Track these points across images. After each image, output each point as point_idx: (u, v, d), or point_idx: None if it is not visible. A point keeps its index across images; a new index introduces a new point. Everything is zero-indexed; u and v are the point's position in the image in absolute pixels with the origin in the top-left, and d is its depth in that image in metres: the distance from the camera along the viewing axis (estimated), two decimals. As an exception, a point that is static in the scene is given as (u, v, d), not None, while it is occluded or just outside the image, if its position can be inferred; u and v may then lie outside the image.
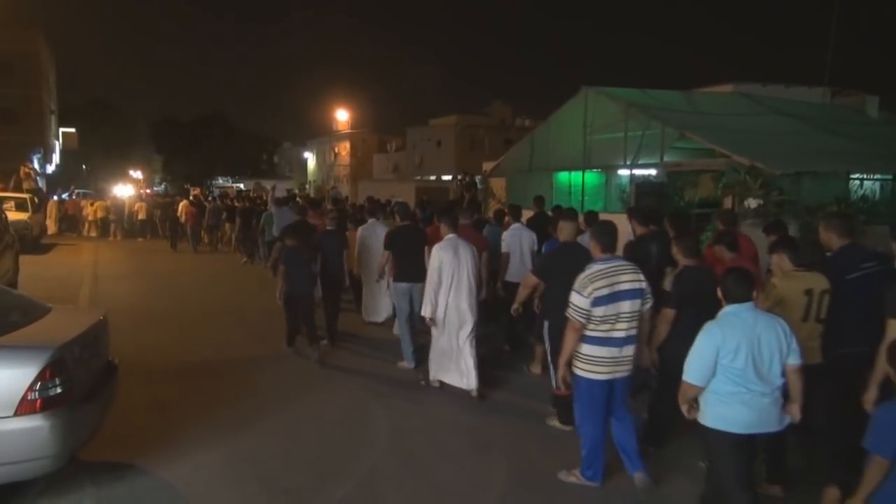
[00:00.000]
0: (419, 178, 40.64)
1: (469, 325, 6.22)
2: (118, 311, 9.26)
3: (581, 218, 7.29)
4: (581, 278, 4.26)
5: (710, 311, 3.70)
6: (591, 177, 14.56)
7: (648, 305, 4.46)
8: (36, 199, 21.55)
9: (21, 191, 22.60)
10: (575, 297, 4.24)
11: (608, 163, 13.57)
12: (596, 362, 4.26)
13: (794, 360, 3.52)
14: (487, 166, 19.61)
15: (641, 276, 4.37)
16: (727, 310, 3.58)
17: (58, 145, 44.84)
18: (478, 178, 19.22)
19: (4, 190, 22.26)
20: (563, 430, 5.36)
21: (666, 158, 11.94)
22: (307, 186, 55.37)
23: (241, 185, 49.02)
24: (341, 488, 4.43)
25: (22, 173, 26.08)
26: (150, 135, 69.54)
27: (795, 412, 3.58)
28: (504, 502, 4.33)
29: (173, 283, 13.42)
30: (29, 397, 3.74)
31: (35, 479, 4.05)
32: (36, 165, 32.92)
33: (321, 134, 64.62)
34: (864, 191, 11.36)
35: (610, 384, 4.33)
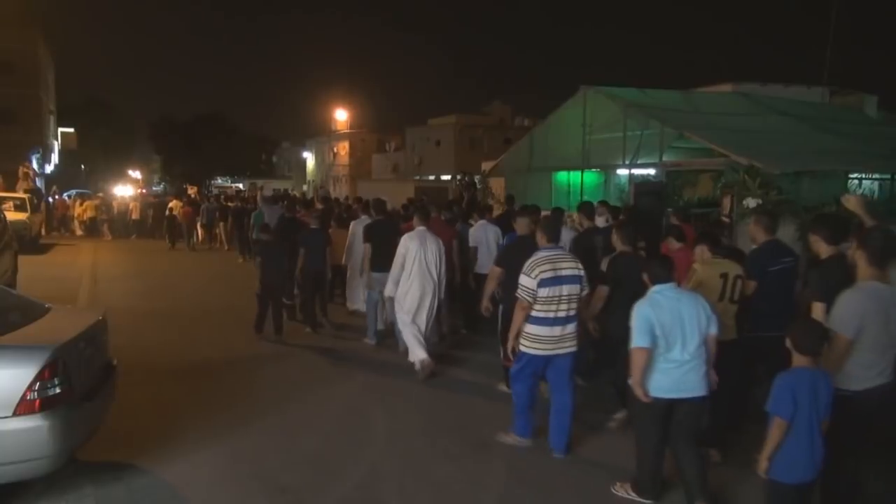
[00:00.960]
0: (418, 177, 40.63)
1: (428, 306, 6.96)
2: (117, 310, 9.25)
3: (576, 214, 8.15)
4: (528, 263, 4.87)
5: (641, 293, 4.23)
6: (591, 176, 14.56)
7: (586, 291, 5.07)
8: (35, 199, 21.54)
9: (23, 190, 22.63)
10: (523, 279, 4.83)
11: (607, 162, 13.57)
12: (540, 340, 4.86)
13: (713, 330, 4.06)
14: (486, 166, 19.61)
15: (579, 265, 5.00)
16: (653, 289, 4.14)
17: (56, 145, 44.77)
18: (477, 178, 19.22)
19: (6, 190, 22.22)
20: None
21: (665, 158, 11.94)
22: (305, 186, 55.48)
23: (241, 185, 49.15)
24: (340, 487, 4.44)
25: (21, 173, 26.06)
26: (149, 135, 69.40)
27: (712, 375, 4.12)
28: (503, 500, 4.33)
29: (172, 282, 13.42)
30: (28, 397, 3.74)
31: (34, 479, 4.05)
32: (35, 165, 32.86)
33: (320, 134, 64.52)
34: (862, 190, 11.37)
35: (548, 359, 4.91)
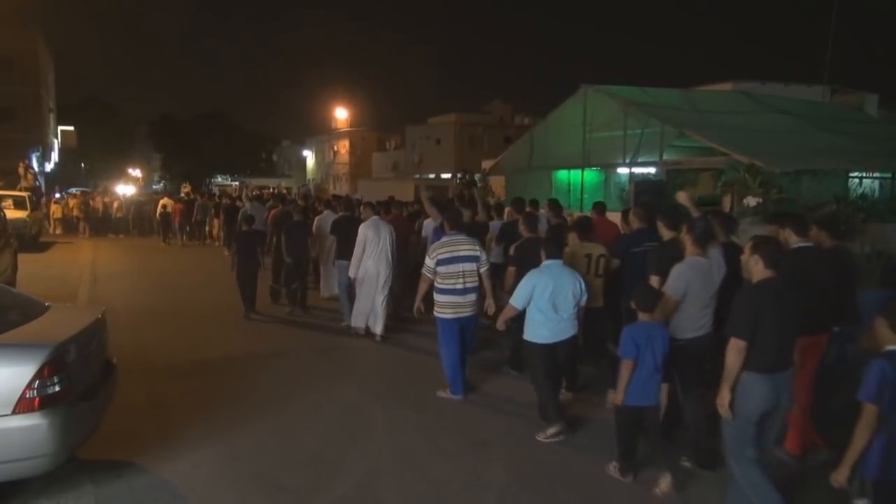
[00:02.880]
0: (418, 176, 40.59)
1: (383, 285, 8.05)
2: (117, 309, 9.27)
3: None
4: (431, 247, 6.32)
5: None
6: (591, 175, 14.56)
7: (485, 268, 6.21)
8: (34, 198, 21.54)
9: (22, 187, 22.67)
10: (426, 260, 6.22)
11: (607, 161, 13.57)
12: (446, 306, 6.13)
13: (583, 301, 5.38)
14: (487, 165, 19.63)
15: (477, 247, 6.25)
16: (546, 262, 5.35)
17: (56, 144, 44.77)
18: (477, 177, 19.22)
19: (6, 188, 22.23)
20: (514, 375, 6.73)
21: (665, 157, 11.95)
22: (307, 185, 55.51)
23: (235, 184, 49.25)
24: (339, 486, 4.44)
25: (20, 171, 26.05)
26: (149, 133, 69.45)
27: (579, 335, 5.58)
28: (503, 499, 4.33)
29: (172, 281, 13.42)
30: (27, 395, 3.74)
31: (34, 477, 4.05)
32: (35, 164, 32.87)
33: (320, 132, 64.53)
34: (862, 189, 11.37)
35: (458, 322, 6.13)
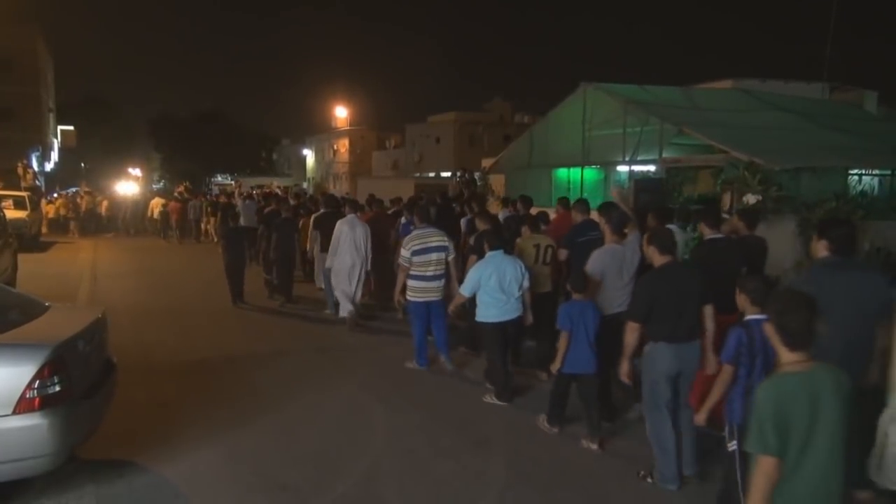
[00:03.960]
0: (418, 174, 40.55)
1: (357, 275, 8.75)
2: (117, 308, 9.28)
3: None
4: (405, 239, 7.15)
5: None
6: (591, 173, 14.52)
7: (452, 257, 7.06)
8: (34, 198, 21.53)
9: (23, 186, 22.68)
10: (402, 251, 7.03)
11: (607, 159, 13.54)
12: (418, 291, 6.93)
13: (525, 284, 6.08)
14: (486, 163, 19.59)
15: (446, 238, 7.07)
16: (489, 253, 6.10)
17: (56, 143, 44.73)
18: (477, 175, 19.20)
19: (6, 188, 22.22)
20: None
21: (665, 154, 11.92)
22: (306, 184, 55.57)
23: (232, 182, 49.37)
24: (340, 485, 4.44)
25: (20, 171, 26.03)
26: (149, 132, 69.38)
27: (528, 317, 6.23)
28: (503, 497, 4.34)
29: (172, 280, 13.43)
30: (28, 395, 3.74)
31: (34, 477, 4.06)
32: (34, 164, 32.85)
33: (320, 131, 64.46)
34: (862, 186, 11.34)
35: (427, 305, 6.94)
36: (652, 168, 12.60)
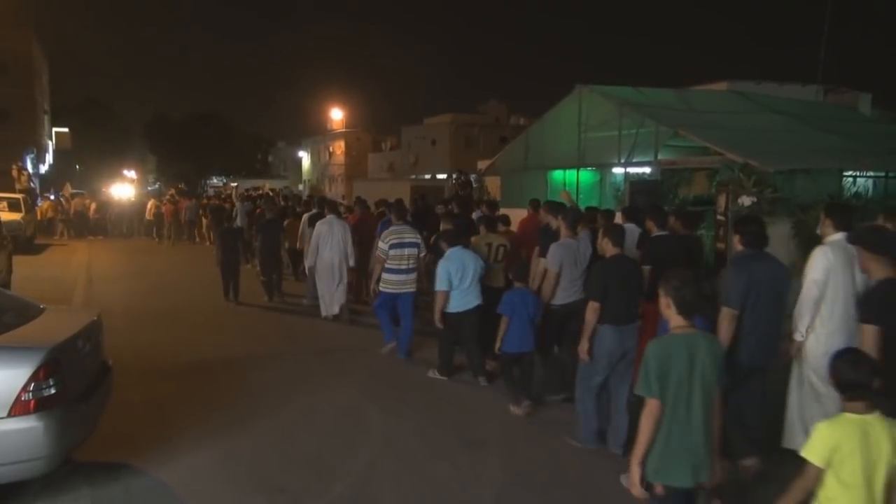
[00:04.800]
0: (414, 176, 40.56)
1: (338, 273, 9.22)
2: (112, 311, 9.25)
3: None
4: (384, 233, 7.76)
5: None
6: (586, 175, 14.54)
7: (423, 254, 7.70)
8: (29, 200, 21.44)
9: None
10: (380, 244, 7.67)
11: (603, 161, 13.56)
12: (391, 283, 7.51)
13: (480, 274, 6.64)
14: (482, 165, 19.62)
15: (418, 236, 7.73)
16: (451, 250, 6.65)
17: (51, 145, 44.62)
18: (473, 177, 19.22)
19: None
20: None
21: (660, 156, 11.94)
22: (301, 186, 55.55)
23: (234, 185, 49.35)
24: (337, 487, 4.44)
25: (14, 173, 25.92)
26: (144, 134, 69.25)
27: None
28: (500, 498, 4.34)
29: (167, 282, 13.40)
30: (23, 398, 3.73)
31: (30, 479, 4.04)
32: (29, 165, 32.73)
33: (316, 133, 64.45)
34: (857, 188, 11.39)
35: (397, 295, 7.49)
36: (647, 170, 12.62)
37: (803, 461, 2.65)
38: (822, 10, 17.19)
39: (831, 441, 2.60)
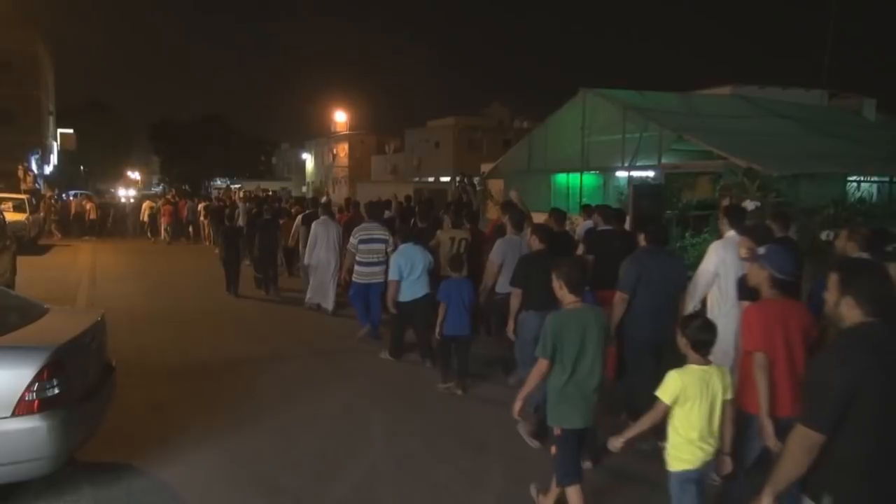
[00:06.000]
0: (417, 179, 40.59)
1: (331, 270, 9.93)
2: (116, 311, 9.25)
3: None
4: (354, 230, 8.61)
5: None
6: (589, 178, 14.56)
7: (391, 248, 8.13)
8: (34, 200, 21.51)
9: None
10: (352, 239, 8.48)
11: (606, 164, 13.58)
12: (362, 274, 8.36)
13: (429, 266, 7.27)
14: (486, 168, 19.64)
15: (386, 232, 8.50)
16: (402, 245, 7.40)
17: (56, 146, 44.73)
18: (476, 180, 19.23)
19: (5, 191, 22.20)
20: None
21: (664, 160, 11.96)
22: (305, 188, 55.68)
23: (236, 187, 49.50)
24: (338, 489, 4.44)
25: (19, 173, 26.02)
26: (149, 136, 69.44)
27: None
28: (501, 501, 4.34)
29: (170, 283, 13.42)
30: (27, 398, 3.74)
31: (33, 479, 4.05)
32: (34, 166, 32.85)
33: (319, 135, 64.53)
34: (861, 193, 11.39)
35: (368, 286, 8.32)
36: (651, 174, 12.64)
37: (657, 399, 3.36)
38: (826, 15, 17.17)
39: (679, 385, 3.32)
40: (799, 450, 2.43)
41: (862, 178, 11.37)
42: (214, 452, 4.96)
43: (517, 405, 4.02)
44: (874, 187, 11.96)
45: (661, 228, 5.61)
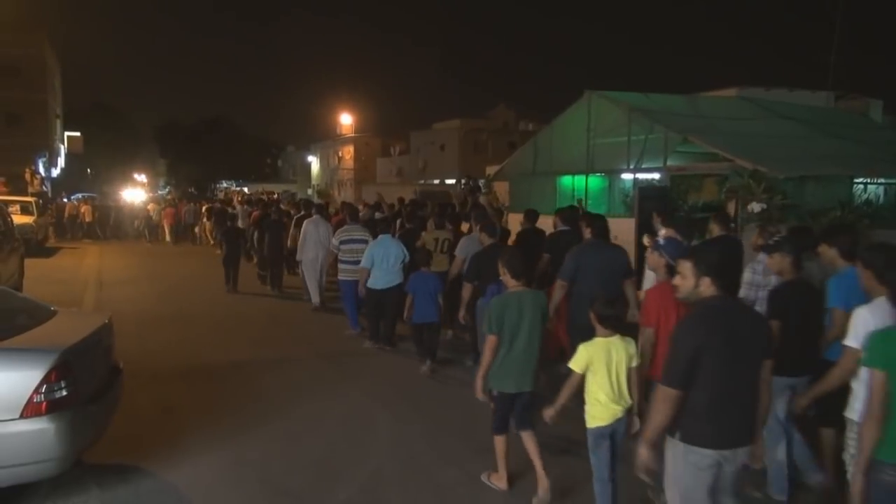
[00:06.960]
0: (423, 181, 40.61)
1: (320, 265, 10.52)
2: (122, 314, 9.29)
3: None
4: (336, 231, 9.35)
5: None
6: (595, 181, 14.53)
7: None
8: (41, 203, 21.60)
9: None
10: (333, 240, 9.20)
11: (611, 167, 13.55)
12: (346, 272, 8.78)
13: (405, 260, 7.97)
14: (491, 170, 19.65)
15: (367, 233, 8.93)
16: (379, 237, 8.08)
17: (63, 149, 44.92)
18: (481, 182, 19.24)
19: (13, 194, 22.30)
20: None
21: (669, 162, 11.94)
22: (310, 190, 55.81)
23: (244, 189, 49.64)
24: (344, 491, 4.45)
25: (27, 176, 26.14)
26: (155, 138, 69.73)
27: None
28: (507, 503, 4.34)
29: (176, 285, 13.48)
30: (34, 400, 3.77)
31: (40, 480, 4.08)
32: (41, 169, 33.00)
33: (325, 138, 64.64)
34: (867, 195, 11.35)
35: (352, 283, 8.55)
36: (656, 176, 12.61)
37: (570, 370, 3.86)
38: (833, 16, 17.13)
39: (587, 356, 3.84)
40: (661, 403, 3.04)
41: (868, 180, 11.33)
42: (221, 454, 4.97)
43: (478, 383, 4.41)
44: (881, 189, 11.90)
45: (605, 224, 6.22)
